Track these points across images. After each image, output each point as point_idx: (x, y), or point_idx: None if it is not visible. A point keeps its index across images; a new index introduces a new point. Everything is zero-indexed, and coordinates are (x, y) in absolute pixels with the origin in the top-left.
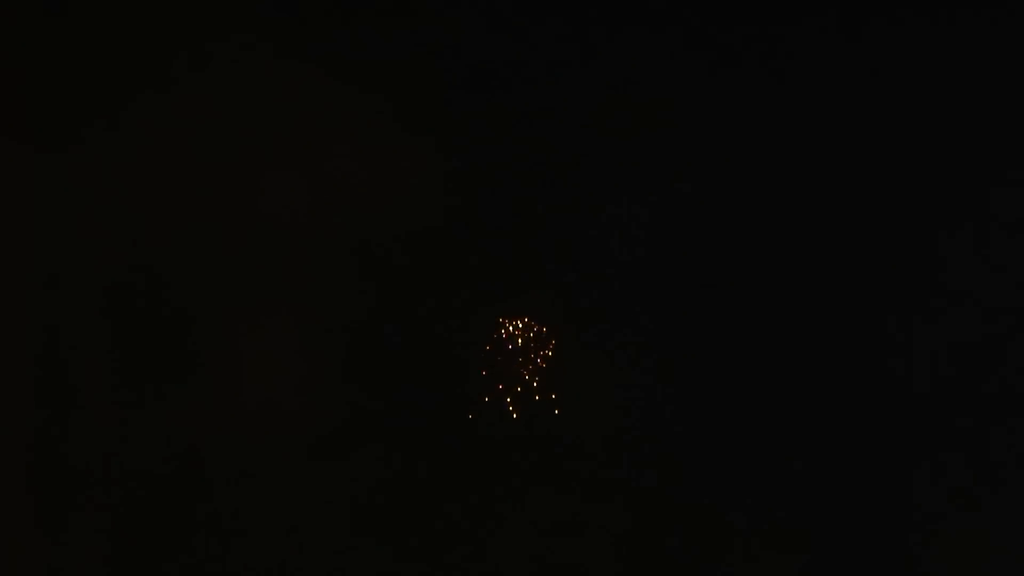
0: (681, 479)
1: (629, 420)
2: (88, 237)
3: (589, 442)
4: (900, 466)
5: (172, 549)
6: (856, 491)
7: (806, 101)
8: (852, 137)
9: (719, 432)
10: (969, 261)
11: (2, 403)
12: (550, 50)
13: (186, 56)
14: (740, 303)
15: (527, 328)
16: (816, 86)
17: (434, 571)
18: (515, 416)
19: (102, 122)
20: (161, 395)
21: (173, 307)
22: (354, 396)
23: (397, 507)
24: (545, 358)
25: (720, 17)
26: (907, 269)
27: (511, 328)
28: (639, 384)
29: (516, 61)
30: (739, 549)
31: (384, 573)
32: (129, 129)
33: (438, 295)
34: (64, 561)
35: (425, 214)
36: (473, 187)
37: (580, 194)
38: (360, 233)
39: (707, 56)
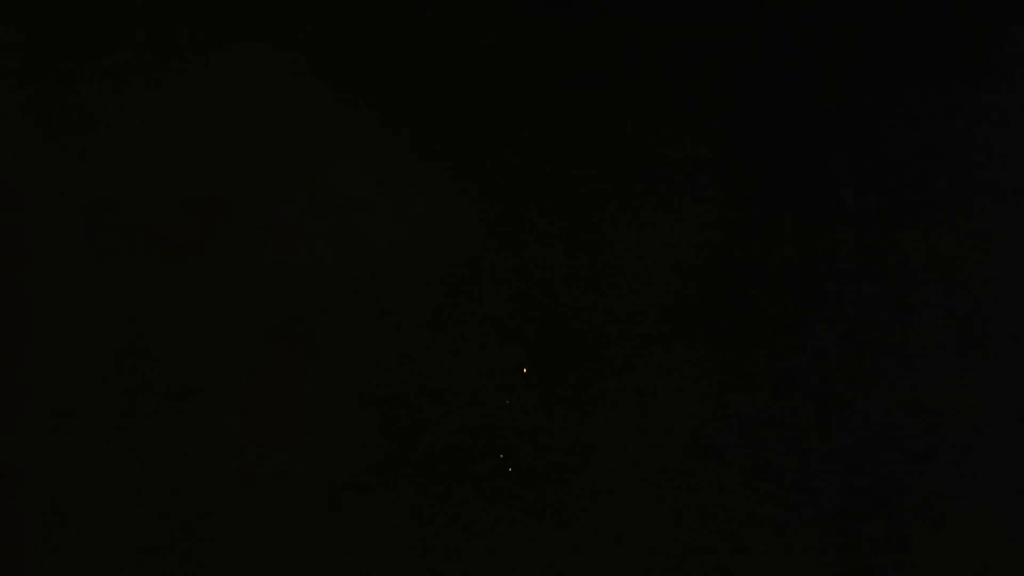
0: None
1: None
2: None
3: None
4: None
5: None
6: None
7: None
8: None
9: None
10: None
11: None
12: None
13: (189, 70)
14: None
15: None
16: None
17: None
18: (544, 458)
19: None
20: (165, 430)
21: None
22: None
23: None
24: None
25: None
26: None
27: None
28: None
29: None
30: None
31: None
32: (123, 136)
33: (462, 331)
34: None
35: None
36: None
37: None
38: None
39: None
